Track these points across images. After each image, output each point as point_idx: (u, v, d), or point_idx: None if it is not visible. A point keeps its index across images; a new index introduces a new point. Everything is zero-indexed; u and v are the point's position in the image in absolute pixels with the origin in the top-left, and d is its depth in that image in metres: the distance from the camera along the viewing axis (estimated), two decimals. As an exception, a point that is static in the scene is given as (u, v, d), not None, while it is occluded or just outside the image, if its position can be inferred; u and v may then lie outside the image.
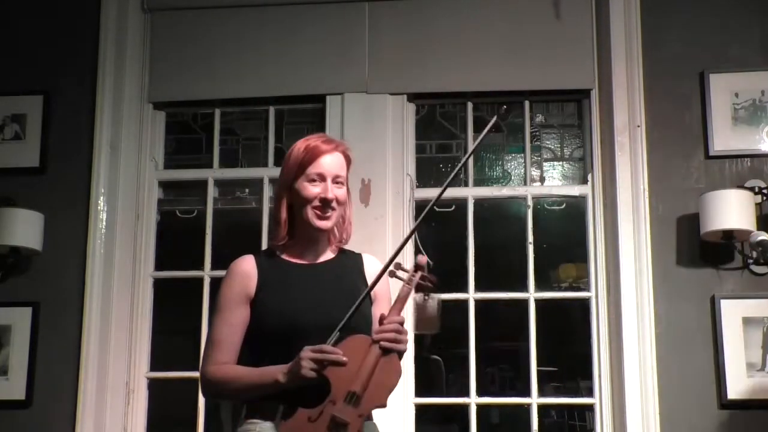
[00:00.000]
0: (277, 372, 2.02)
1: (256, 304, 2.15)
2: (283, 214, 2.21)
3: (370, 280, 2.20)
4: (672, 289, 3.14)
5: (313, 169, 2.16)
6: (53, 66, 3.51)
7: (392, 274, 2.11)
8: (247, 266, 2.19)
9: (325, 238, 2.25)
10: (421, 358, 3.33)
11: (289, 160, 2.21)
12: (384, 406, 2.03)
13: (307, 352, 1.98)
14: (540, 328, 3.30)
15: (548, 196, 3.47)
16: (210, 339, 2.16)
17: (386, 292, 2.25)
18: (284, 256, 2.22)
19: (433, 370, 3.63)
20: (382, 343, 2.02)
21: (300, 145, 2.21)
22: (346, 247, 2.32)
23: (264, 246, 3.39)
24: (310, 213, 2.16)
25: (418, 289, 2.11)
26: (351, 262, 2.28)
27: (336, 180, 2.18)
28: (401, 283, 2.10)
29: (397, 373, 2.04)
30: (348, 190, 2.25)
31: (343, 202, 2.21)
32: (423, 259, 2.11)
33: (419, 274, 2.10)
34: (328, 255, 2.26)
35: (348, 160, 2.24)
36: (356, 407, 1.98)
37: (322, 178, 2.17)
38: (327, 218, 2.17)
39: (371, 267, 2.27)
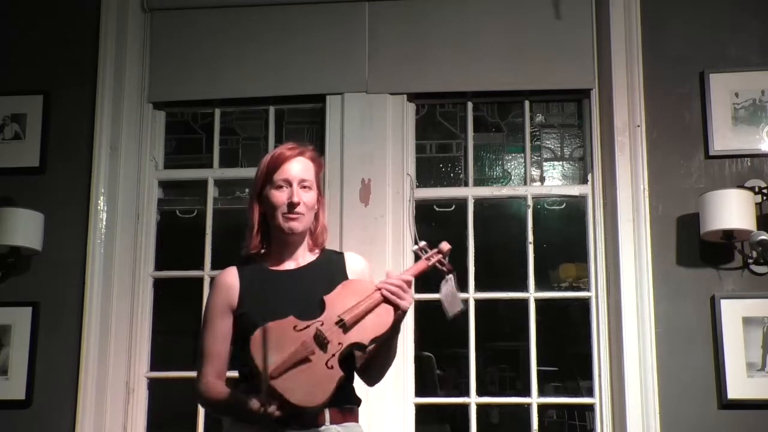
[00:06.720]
0: (253, 404, 2.04)
1: (240, 315, 2.19)
2: (256, 223, 2.25)
3: (352, 277, 2.25)
4: (672, 289, 3.14)
5: (279, 176, 2.22)
6: (53, 66, 3.51)
7: (417, 253, 2.26)
8: (229, 278, 2.23)
9: (301, 242, 2.27)
10: (414, 356, 3.32)
11: (258, 171, 2.27)
12: (363, 347, 2.14)
13: (269, 407, 2.01)
14: (540, 328, 3.30)
15: (548, 196, 3.47)
16: (199, 352, 2.22)
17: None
18: (266, 265, 2.26)
19: (424, 366, 3.61)
20: (383, 291, 2.12)
21: (267, 156, 2.27)
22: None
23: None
24: (280, 218, 2.20)
25: (434, 268, 2.23)
26: (333, 261, 2.29)
27: (302, 184, 2.22)
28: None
29: (386, 324, 2.12)
30: (321, 194, 2.29)
31: (311, 206, 2.23)
32: (445, 245, 2.23)
33: (439, 256, 2.23)
34: (309, 258, 2.28)
35: (317, 165, 2.28)
36: (341, 333, 2.09)
37: (288, 183, 2.21)
38: (295, 220, 2.20)
39: (354, 264, 2.29)
